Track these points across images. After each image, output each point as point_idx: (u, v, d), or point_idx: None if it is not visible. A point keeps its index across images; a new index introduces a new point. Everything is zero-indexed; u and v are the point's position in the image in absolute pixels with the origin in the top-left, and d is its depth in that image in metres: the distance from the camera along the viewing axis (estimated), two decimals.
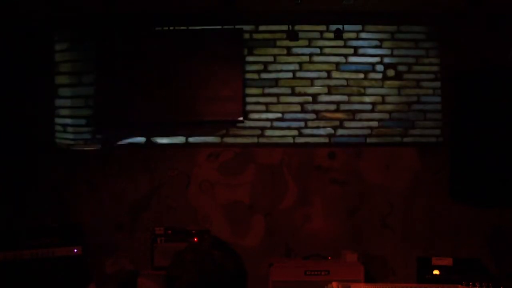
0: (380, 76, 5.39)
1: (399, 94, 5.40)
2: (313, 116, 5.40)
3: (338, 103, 5.40)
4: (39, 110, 5.40)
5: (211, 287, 1.77)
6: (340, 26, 5.20)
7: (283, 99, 5.41)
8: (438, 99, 5.36)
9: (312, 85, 5.41)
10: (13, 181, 5.24)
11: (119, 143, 5.42)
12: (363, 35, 5.40)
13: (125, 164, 5.39)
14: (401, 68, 5.40)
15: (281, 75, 5.41)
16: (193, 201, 5.36)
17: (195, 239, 4.82)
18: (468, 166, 5.02)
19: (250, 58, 5.41)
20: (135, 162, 5.39)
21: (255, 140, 5.40)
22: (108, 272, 3.18)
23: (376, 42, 5.40)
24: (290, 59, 5.41)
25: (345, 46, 5.39)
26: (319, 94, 5.40)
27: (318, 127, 5.39)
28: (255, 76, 5.42)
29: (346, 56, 5.40)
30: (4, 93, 5.25)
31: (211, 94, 5.26)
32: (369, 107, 5.39)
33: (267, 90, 5.41)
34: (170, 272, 1.82)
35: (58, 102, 5.48)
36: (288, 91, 5.41)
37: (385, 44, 5.40)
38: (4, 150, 5.20)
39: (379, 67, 5.39)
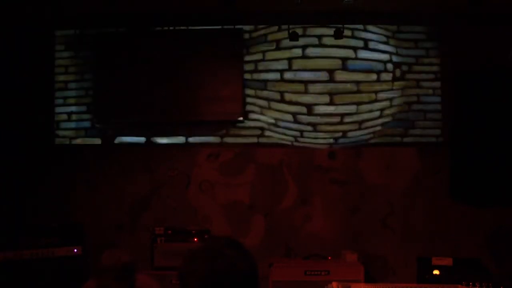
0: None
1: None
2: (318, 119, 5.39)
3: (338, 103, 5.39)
4: (39, 110, 5.41)
5: (223, 286, 1.76)
6: (340, 26, 5.20)
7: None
8: (438, 99, 5.35)
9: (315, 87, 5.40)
10: (13, 181, 5.24)
11: (119, 142, 5.43)
12: (363, 35, 5.39)
13: (125, 164, 5.39)
14: (401, 68, 5.39)
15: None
16: (193, 201, 5.36)
17: (195, 239, 4.84)
18: (468, 166, 5.02)
19: (250, 58, 5.40)
20: (135, 162, 5.39)
21: (255, 140, 5.40)
22: (104, 264, 3.15)
23: (376, 42, 5.39)
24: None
25: (345, 46, 5.38)
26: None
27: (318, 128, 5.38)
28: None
29: (346, 56, 5.38)
30: (4, 93, 5.25)
31: (211, 94, 5.25)
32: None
33: None
34: (182, 269, 1.81)
35: (58, 101, 5.49)
36: (287, 92, 5.40)
37: (385, 44, 5.39)
38: (4, 150, 5.20)
39: (379, 67, 5.38)
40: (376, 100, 5.32)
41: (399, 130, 5.37)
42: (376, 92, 5.32)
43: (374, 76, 5.32)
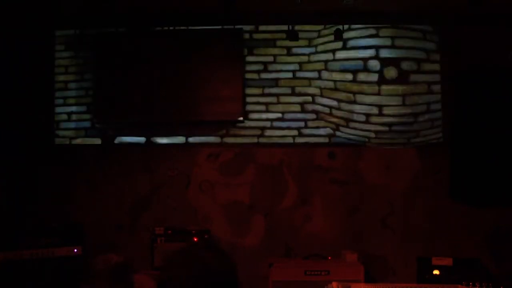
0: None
1: None
2: (313, 116, 5.39)
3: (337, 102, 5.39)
4: (39, 110, 5.41)
5: None
6: (340, 26, 5.20)
7: (283, 99, 5.41)
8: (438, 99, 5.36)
9: (311, 85, 5.41)
10: (13, 181, 5.24)
11: (119, 142, 5.44)
12: (363, 34, 5.38)
13: (125, 164, 5.39)
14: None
15: (281, 75, 5.41)
16: (193, 201, 5.36)
17: (195, 239, 4.83)
18: (468, 166, 5.02)
19: (250, 58, 5.41)
20: (135, 162, 5.39)
21: (255, 140, 5.40)
22: (98, 268, 3.14)
23: (376, 42, 5.39)
24: (290, 59, 5.41)
25: (344, 46, 5.38)
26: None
27: (318, 127, 5.38)
28: (255, 76, 5.41)
29: (346, 56, 5.38)
30: (4, 93, 5.25)
31: (211, 94, 5.26)
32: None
33: (267, 90, 5.41)
34: (162, 274, 1.81)
35: (58, 101, 5.50)
36: (288, 91, 5.41)
37: (385, 44, 5.39)
38: (4, 150, 5.20)
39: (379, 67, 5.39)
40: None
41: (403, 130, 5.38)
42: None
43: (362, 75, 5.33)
